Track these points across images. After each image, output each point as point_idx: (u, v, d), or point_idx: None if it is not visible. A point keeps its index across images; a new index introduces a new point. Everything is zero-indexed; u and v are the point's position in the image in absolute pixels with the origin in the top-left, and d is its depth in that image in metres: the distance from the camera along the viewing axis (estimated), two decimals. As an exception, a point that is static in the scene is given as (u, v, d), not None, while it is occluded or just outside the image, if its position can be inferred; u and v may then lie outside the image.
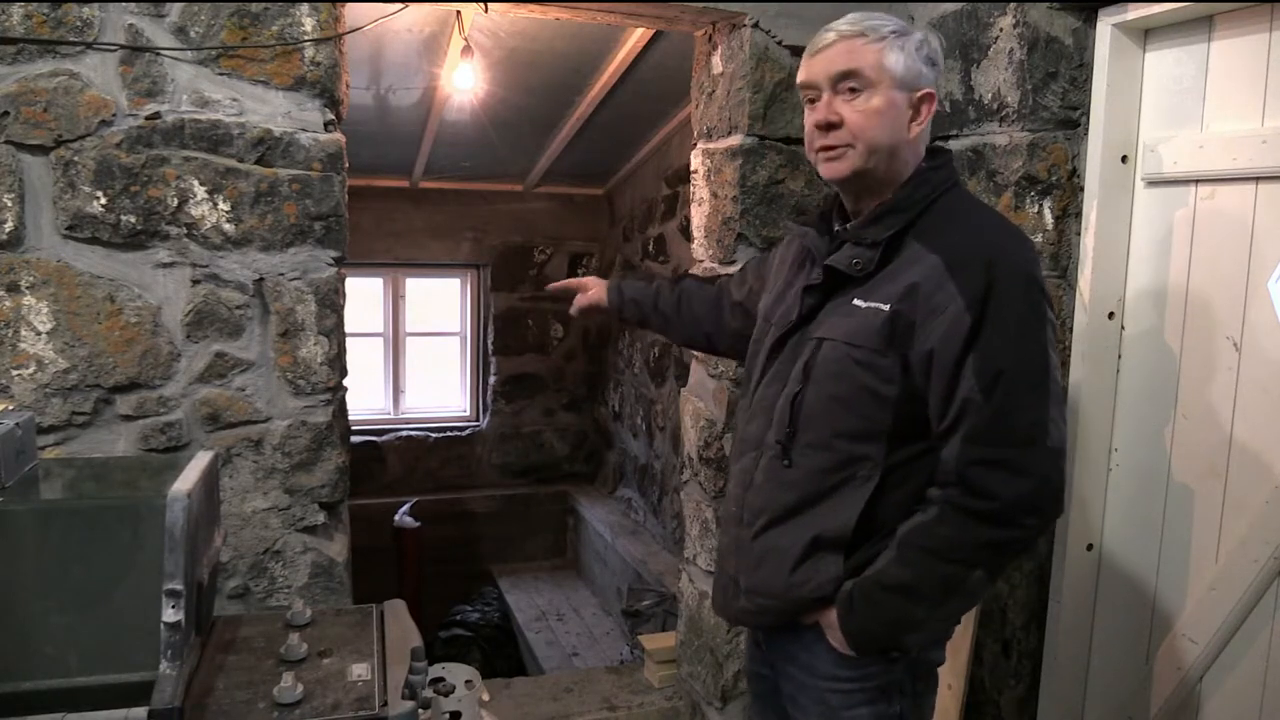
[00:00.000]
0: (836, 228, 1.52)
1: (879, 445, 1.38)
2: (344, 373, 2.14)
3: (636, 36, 3.34)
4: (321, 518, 2.09)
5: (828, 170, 1.43)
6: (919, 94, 1.40)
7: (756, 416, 1.52)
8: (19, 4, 1.80)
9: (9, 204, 1.84)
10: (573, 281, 2.00)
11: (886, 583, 1.36)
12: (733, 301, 1.82)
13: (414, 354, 5.94)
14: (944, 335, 1.31)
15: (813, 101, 1.43)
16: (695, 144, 2.60)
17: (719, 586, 1.61)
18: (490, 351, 5.90)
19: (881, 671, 1.43)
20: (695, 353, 2.62)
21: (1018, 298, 1.32)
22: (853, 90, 1.38)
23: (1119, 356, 1.94)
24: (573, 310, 1.98)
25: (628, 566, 4.77)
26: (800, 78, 1.45)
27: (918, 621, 1.37)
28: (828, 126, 1.40)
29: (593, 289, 1.95)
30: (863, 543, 1.40)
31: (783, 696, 1.57)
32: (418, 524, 5.25)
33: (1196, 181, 1.78)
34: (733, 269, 2.41)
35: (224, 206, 1.95)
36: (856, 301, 1.40)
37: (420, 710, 1.21)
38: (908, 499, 1.39)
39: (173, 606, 1.12)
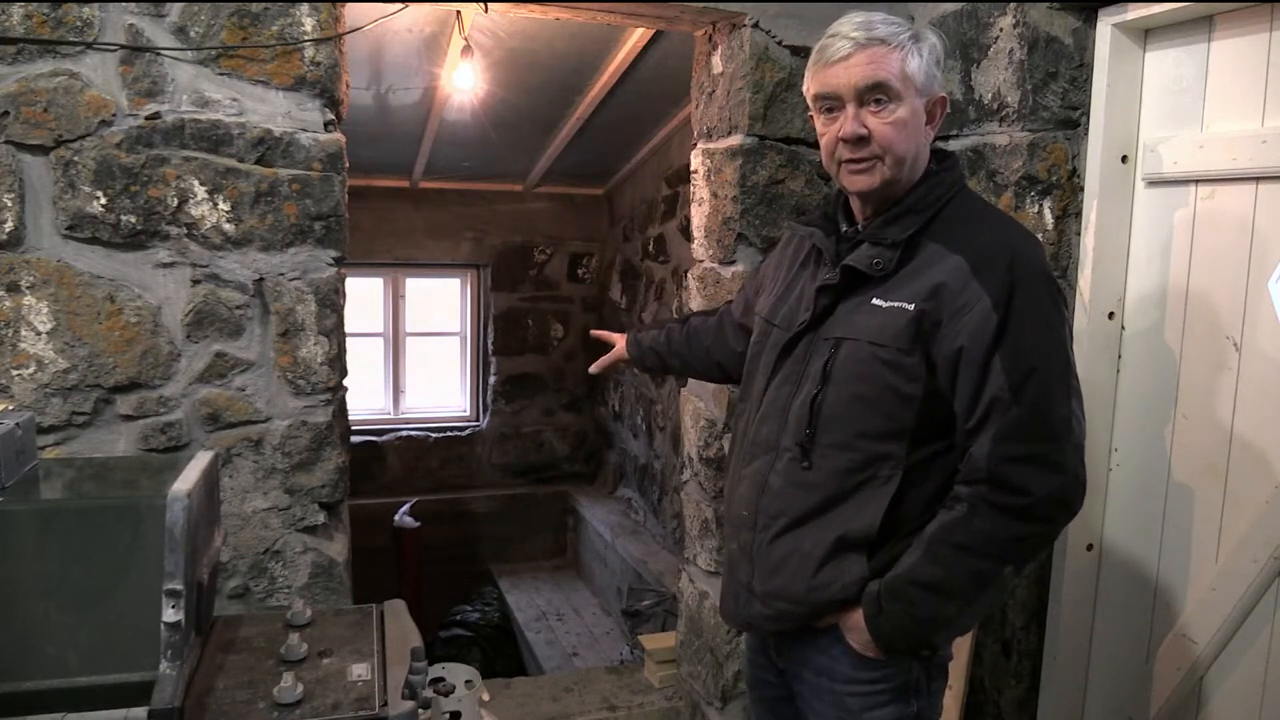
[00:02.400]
0: (845, 228, 1.51)
1: (901, 444, 1.38)
2: (344, 373, 2.14)
3: (636, 36, 3.34)
4: (321, 518, 2.09)
5: (855, 183, 1.42)
6: (934, 99, 1.42)
7: (768, 420, 1.50)
8: (19, 4, 1.80)
9: (9, 204, 1.84)
10: (605, 335, 2.12)
11: (918, 580, 1.36)
12: (734, 323, 1.83)
13: (414, 354, 5.94)
14: (972, 333, 1.32)
15: (830, 111, 1.42)
16: (695, 144, 2.59)
17: (729, 594, 1.59)
18: (490, 351, 5.90)
19: (899, 672, 1.43)
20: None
21: (1039, 295, 1.33)
22: (879, 101, 1.37)
23: (1119, 356, 1.94)
24: (593, 369, 2.10)
25: (628, 566, 4.77)
26: (816, 88, 1.42)
27: (949, 618, 1.38)
28: (857, 140, 1.38)
29: (616, 343, 2.05)
30: (884, 543, 1.40)
31: (797, 701, 1.56)
32: (418, 524, 5.26)
33: (1197, 181, 1.78)
34: (733, 269, 2.41)
35: (224, 206, 1.95)
36: (876, 301, 1.39)
37: (420, 710, 1.21)
38: (927, 498, 1.39)
39: (173, 606, 1.12)
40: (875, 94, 1.37)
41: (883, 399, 1.38)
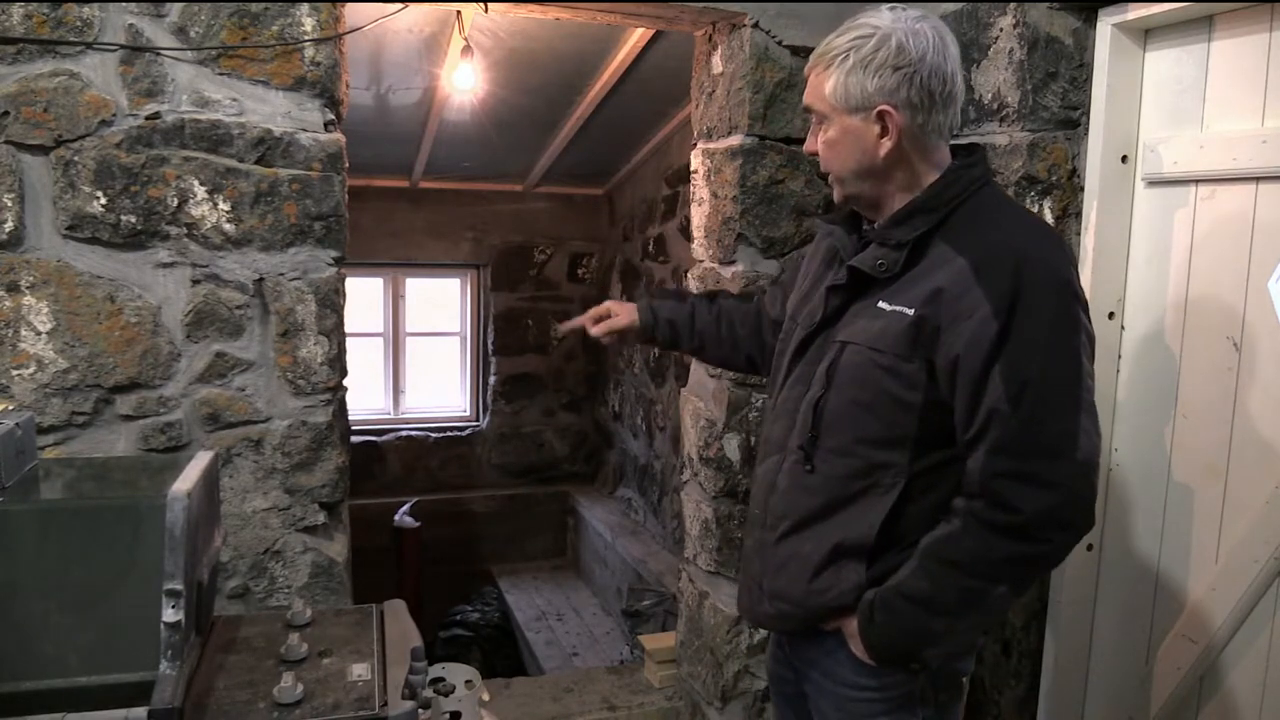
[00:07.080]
0: (865, 226, 1.48)
1: (903, 452, 1.35)
2: (344, 373, 2.14)
3: (636, 36, 3.34)
4: (321, 518, 2.09)
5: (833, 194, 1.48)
6: (875, 110, 1.33)
7: (780, 419, 1.49)
8: (19, 4, 1.80)
9: (9, 204, 1.84)
10: (593, 311, 1.86)
11: (906, 593, 1.33)
12: (770, 320, 1.77)
13: (414, 354, 5.94)
14: (970, 341, 1.26)
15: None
16: (695, 144, 2.59)
17: (744, 589, 1.59)
18: (490, 351, 5.90)
19: (902, 681, 1.40)
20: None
21: (1048, 303, 1.26)
22: (818, 121, 1.41)
23: (1119, 356, 1.94)
24: (597, 333, 1.82)
25: (628, 566, 4.77)
26: None
27: (936, 635, 1.34)
28: (814, 156, 1.44)
29: (620, 313, 1.82)
30: (886, 551, 1.37)
31: (808, 701, 1.55)
32: (418, 524, 5.26)
33: (1196, 181, 1.78)
34: (733, 269, 2.41)
35: (224, 206, 1.95)
36: (881, 304, 1.36)
37: (420, 710, 1.21)
38: (933, 507, 1.35)
39: (173, 606, 1.12)
40: (812, 114, 1.41)
41: (881, 405, 1.35)
